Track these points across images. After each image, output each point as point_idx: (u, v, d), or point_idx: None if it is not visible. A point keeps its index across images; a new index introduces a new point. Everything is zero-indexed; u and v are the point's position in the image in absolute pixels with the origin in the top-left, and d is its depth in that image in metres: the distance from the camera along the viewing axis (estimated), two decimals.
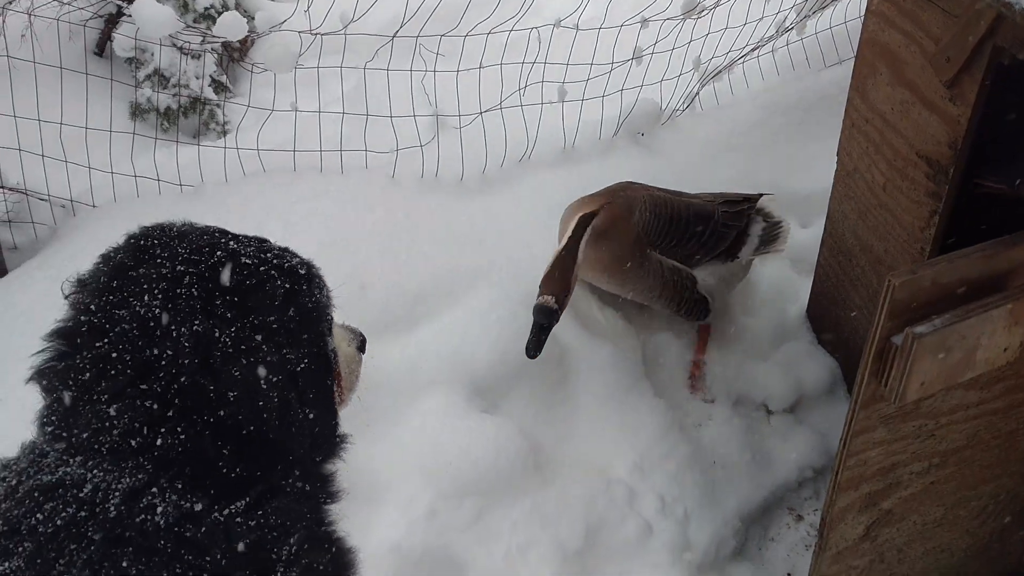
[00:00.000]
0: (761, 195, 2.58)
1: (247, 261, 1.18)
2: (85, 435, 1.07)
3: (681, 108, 3.12)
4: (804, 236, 2.80)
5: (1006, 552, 1.86)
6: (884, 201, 2.23)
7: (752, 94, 3.25)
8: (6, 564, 0.99)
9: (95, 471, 1.04)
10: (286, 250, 1.25)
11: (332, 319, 1.29)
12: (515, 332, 2.34)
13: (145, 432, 1.06)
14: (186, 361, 1.08)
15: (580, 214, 2.23)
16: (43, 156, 2.74)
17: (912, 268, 1.28)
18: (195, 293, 1.12)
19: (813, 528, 2.30)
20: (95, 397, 1.08)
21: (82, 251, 2.60)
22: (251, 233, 1.28)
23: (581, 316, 2.46)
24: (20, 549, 0.99)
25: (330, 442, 1.22)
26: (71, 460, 1.06)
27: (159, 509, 1.02)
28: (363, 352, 1.45)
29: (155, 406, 1.07)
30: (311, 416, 1.16)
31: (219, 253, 1.17)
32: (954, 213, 2.01)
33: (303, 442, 1.15)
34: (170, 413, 1.07)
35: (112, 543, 0.99)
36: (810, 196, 2.91)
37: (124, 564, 0.98)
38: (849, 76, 2.26)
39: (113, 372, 1.08)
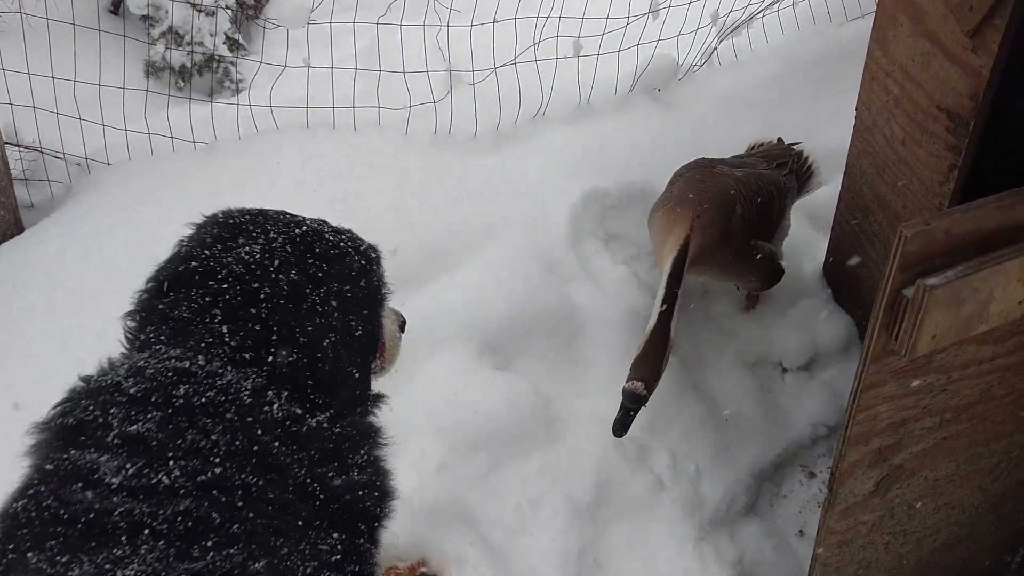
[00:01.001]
0: (781, 142, 2.56)
1: (329, 237, 1.37)
2: (203, 344, 1.23)
3: (699, 63, 3.07)
4: (822, 193, 2.76)
5: (1018, 509, 1.85)
6: (903, 156, 2.19)
7: (771, 49, 3.20)
8: (131, 428, 1.13)
9: (224, 368, 1.21)
10: (354, 233, 1.44)
11: (386, 298, 1.47)
12: (528, 288, 2.34)
13: (254, 349, 1.24)
14: (282, 301, 1.27)
15: (673, 255, 2.06)
16: (58, 114, 2.74)
17: (925, 219, 1.26)
18: (290, 251, 1.32)
19: (825, 485, 2.30)
20: (207, 319, 1.25)
21: (97, 207, 2.62)
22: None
23: (593, 273, 2.45)
24: (149, 416, 1.14)
25: (366, 400, 1.40)
26: (196, 358, 1.21)
27: (275, 406, 1.21)
28: (403, 332, 1.61)
29: (260, 330, 1.25)
30: (357, 376, 1.35)
31: (305, 227, 1.37)
32: (974, 168, 1.98)
33: (348, 395, 1.33)
34: (273, 338, 1.25)
35: (244, 423, 1.17)
36: (830, 152, 2.85)
37: (251, 442, 1.16)
38: (870, 29, 2.21)
39: (225, 299, 1.26)
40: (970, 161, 1.98)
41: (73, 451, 1.12)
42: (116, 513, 1.07)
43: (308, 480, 1.20)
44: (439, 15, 2.74)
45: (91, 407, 1.15)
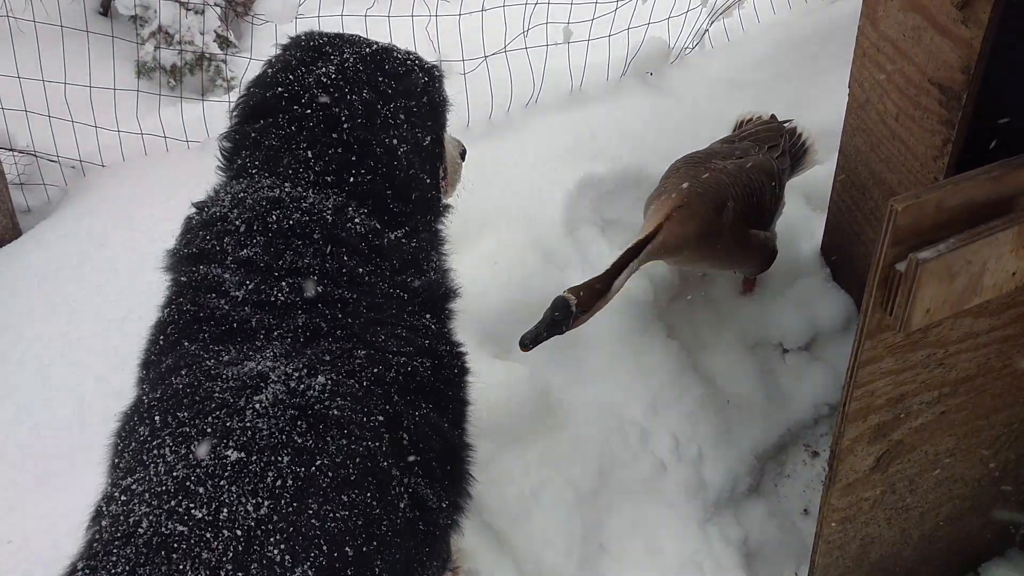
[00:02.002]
0: (774, 119, 2.54)
1: (396, 55, 1.56)
2: (290, 170, 1.42)
3: (690, 46, 3.06)
4: (818, 172, 2.75)
5: (1020, 482, 1.85)
6: (896, 132, 2.18)
7: (763, 29, 3.19)
8: (242, 252, 1.35)
9: (307, 192, 1.40)
10: (418, 54, 1.61)
11: (447, 118, 1.66)
12: (524, 277, 2.34)
13: (336, 172, 1.43)
14: (358, 120, 1.45)
15: (641, 236, 2.06)
16: (50, 117, 2.74)
17: (916, 193, 1.25)
18: (362, 70, 1.49)
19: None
20: (293, 146, 1.43)
21: (93, 210, 2.62)
22: None
23: (590, 260, 2.44)
24: (255, 241, 1.35)
25: (437, 206, 1.61)
26: (284, 185, 1.40)
27: (356, 221, 1.40)
28: (463, 160, 1.82)
29: (341, 152, 1.43)
30: (428, 182, 1.54)
31: (375, 46, 1.55)
32: (967, 143, 1.97)
33: (422, 199, 1.52)
34: (352, 158, 1.43)
35: (330, 240, 1.37)
36: (824, 131, 2.84)
37: (338, 256, 1.37)
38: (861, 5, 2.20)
39: (308, 125, 1.44)
40: (963, 135, 1.97)
41: (202, 267, 1.36)
42: (248, 319, 1.31)
43: (391, 287, 1.40)
44: (427, 5, 2.73)
45: (208, 237, 1.38)
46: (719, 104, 2.90)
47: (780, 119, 2.60)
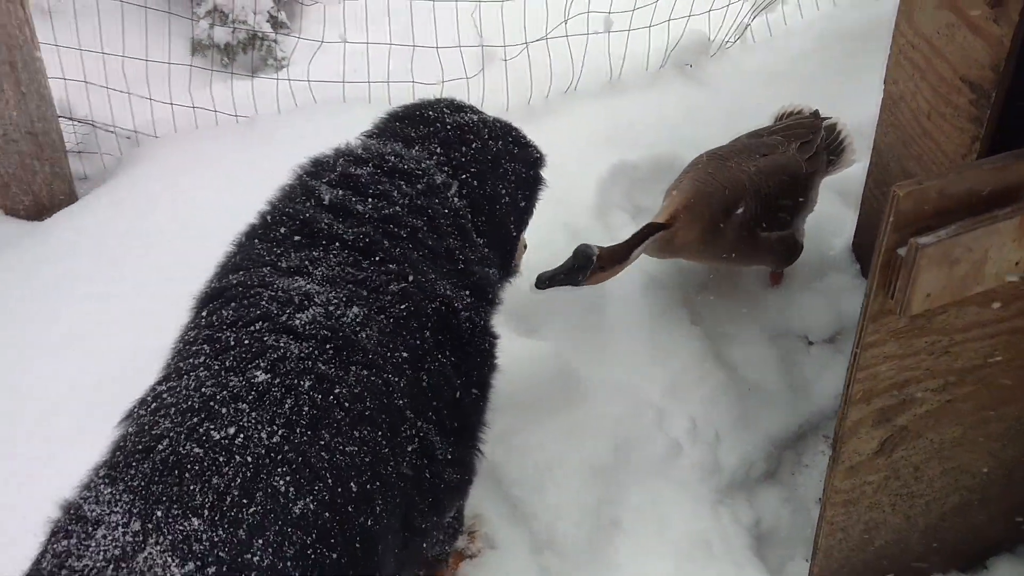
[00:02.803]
0: (817, 115, 2.55)
1: (520, 132, 1.88)
2: (419, 147, 1.70)
3: (732, 40, 3.09)
4: (852, 168, 2.76)
5: None
6: (928, 129, 2.19)
7: (806, 24, 3.20)
8: (351, 170, 1.58)
9: (427, 165, 1.64)
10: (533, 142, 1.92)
11: (542, 191, 1.93)
12: (551, 258, 2.39)
13: (454, 172, 1.69)
14: (486, 158, 1.75)
15: (641, 229, 2.14)
16: (108, 88, 2.86)
17: (918, 180, 1.28)
18: (498, 128, 1.83)
19: None
20: (426, 140, 1.73)
21: (144, 179, 2.74)
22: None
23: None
24: (368, 167, 1.59)
25: (510, 260, 1.87)
26: (411, 150, 1.67)
27: (454, 198, 1.65)
28: (523, 251, 2.08)
29: (464, 162, 1.72)
30: (512, 233, 1.83)
31: (500, 120, 1.87)
32: (995, 141, 1.98)
33: (501, 244, 1.78)
34: (471, 169, 1.71)
35: (427, 193, 1.60)
36: (861, 128, 2.85)
37: (427, 205, 1.59)
38: None
39: (444, 136, 1.74)
40: (991, 133, 1.99)
41: (308, 179, 1.59)
42: (322, 223, 1.48)
43: (455, 250, 1.59)
44: None
45: (330, 159, 1.63)
46: (757, 97, 2.91)
47: (822, 115, 2.61)
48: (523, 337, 2.29)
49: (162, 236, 2.54)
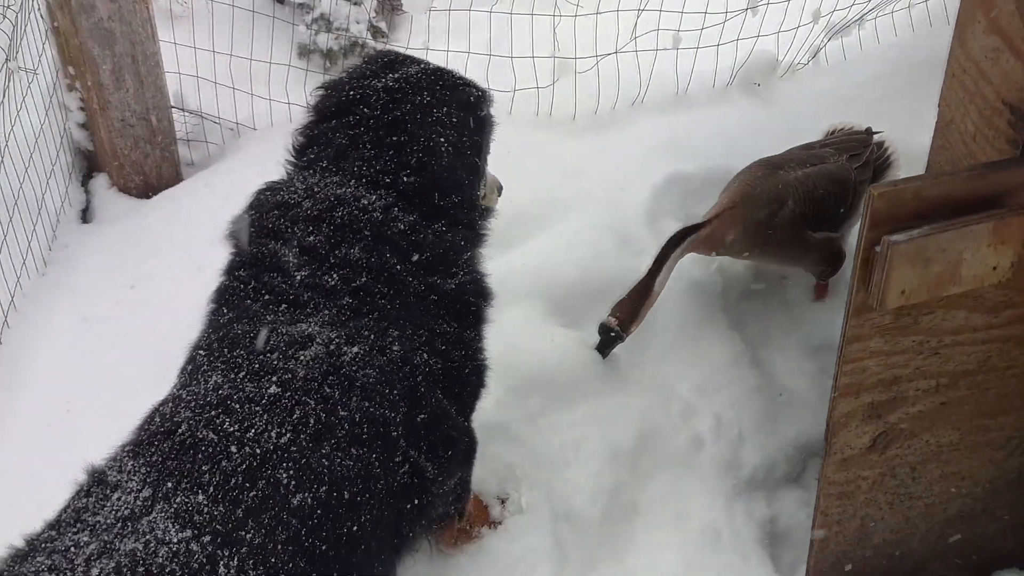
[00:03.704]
0: (869, 131, 2.62)
1: (454, 74, 1.81)
2: (353, 168, 1.67)
3: (804, 61, 3.16)
4: None
5: None
6: (973, 151, 2.24)
7: (881, 49, 3.24)
8: (308, 239, 1.59)
9: (364, 192, 1.64)
10: (473, 80, 1.86)
11: (491, 140, 1.88)
12: (598, 256, 2.54)
13: (391, 170, 1.67)
14: (414, 121, 1.68)
15: (674, 233, 2.28)
16: (216, 83, 3.16)
17: (894, 182, 1.38)
18: (422, 79, 1.74)
19: None
20: (358, 145, 1.68)
21: (241, 165, 3.02)
22: None
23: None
24: (322, 228, 1.60)
25: (475, 204, 1.82)
26: (348, 182, 1.65)
27: (401, 219, 1.64)
28: (499, 195, 2.04)
29: (395, 153, 1.68)
30: (467, 182, 1.76)
31: (435, 65, 1.80)
32: None
33: (461, 197, 1.73)
34: (405, 158, 1.67)
35: (376, 238, 1.61)
36: (925, 154, 2.89)
37: (381, 253, 1.60)
38: None
39: (372, 125, 1.68)
40: None
41: (272, 244, 1.61)
42: (302, 296, 1.56)
43: (423, 287, 1.63)
44: (559, 6, 2.96)
45: (282, 219, 1.63)
46: (822, 118, 2.97)
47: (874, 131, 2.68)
48: (564, 328, 2.43)
49: None
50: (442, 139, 1.70)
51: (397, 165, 1.67)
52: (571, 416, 2.25)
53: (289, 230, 1.61)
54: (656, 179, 2.72)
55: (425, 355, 1.59)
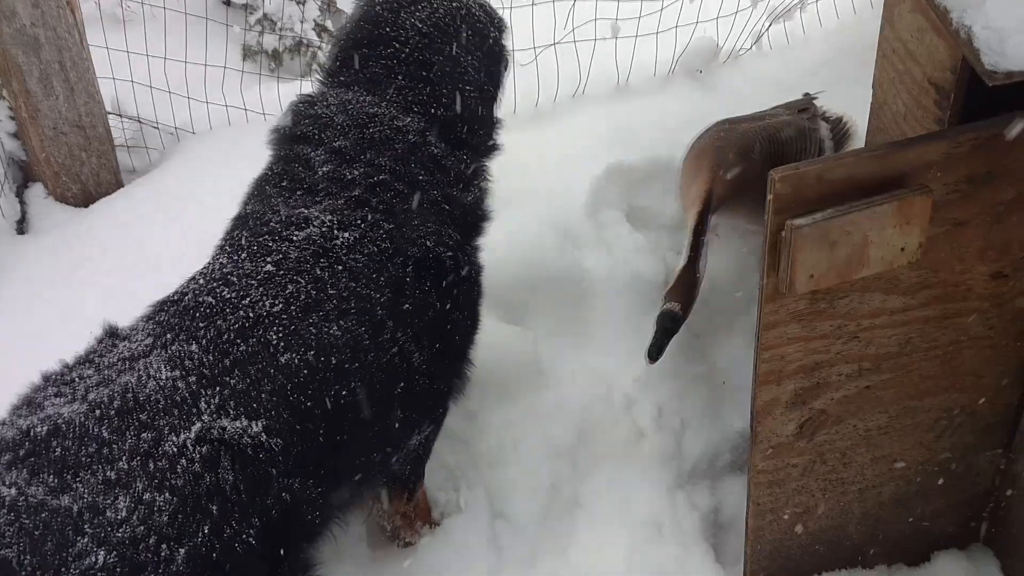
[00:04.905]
0: (808, 95, 2.62)
1: (476, 12, 1.99)
2: (388, 94, 1.85)
3: (747, 47, 3.14)
4: None
5: (972, 472, 1.88)
6: (904, 131, 2.23)
7: (825, 34, 3.23)
8: (336, 143, 1.77)
9: (398, 114, 1.82)
10: (490, 8, 2.06)
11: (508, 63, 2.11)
12: (540, 251, 2.52)
13: (422, 103, 1.86)
14: (445, 65, 1.88)
15: (696, 209, 2.24)
16: (151, 88, 3.11)
17: (796, 165, 1.36)
18: (450, 23, 1.91)
19: None
20: (392, 76, 1.86)
21: (181, 168, 2.98)
22: None
23: (607, 241, 2.59)
24: (351, 136, 1.78)
25: (492, 138, 2.03)
26: (381, 103, 1.83)
27: (434, 144, 1.83)
28: None
29: (429, 89, 1.87)
30: (482, 113, 1.97)
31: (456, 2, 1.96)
32: None
33: (483, 132, 1.97)
34: (436, 92, 1.87)
35: (408, 151, 1.79)
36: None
37: (408, 163, 1.78)
38: None
39: (405, 61, 1.87)
40: None
41: (299, 147, 1.78)
42: (319, 185, 1.72)
43: (440, 196, 1.81)
44: None
45: (314, 127, 1.80)
46: (766, 104, 2.94)
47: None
48: (506, 324, 2.40)
49: (192, 225, 2.75)
50: (469, 85, 1.90)
51: (429, 97, 1.85)
52: (510, 414, 2.23)
53: (320, 136, 1.78)
54: (596, 171, 2.70)
55: (419, 250, 1.73)
